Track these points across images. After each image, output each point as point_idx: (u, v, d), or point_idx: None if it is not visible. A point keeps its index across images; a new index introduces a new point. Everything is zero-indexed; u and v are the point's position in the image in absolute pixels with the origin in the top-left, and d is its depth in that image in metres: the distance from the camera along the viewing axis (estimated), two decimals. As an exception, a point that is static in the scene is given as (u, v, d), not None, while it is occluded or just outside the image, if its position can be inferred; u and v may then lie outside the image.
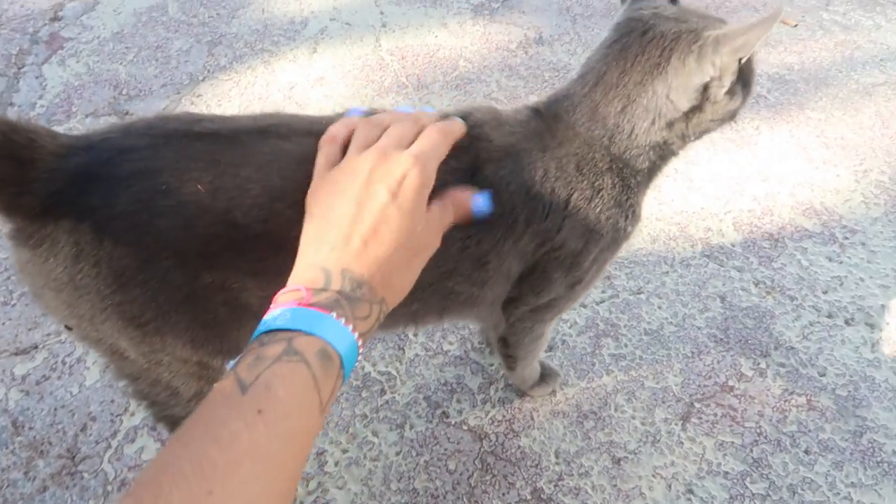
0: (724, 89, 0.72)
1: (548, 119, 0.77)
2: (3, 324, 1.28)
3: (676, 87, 0.72)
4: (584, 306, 1.30)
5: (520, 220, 0.75)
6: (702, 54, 0.69)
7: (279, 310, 0.54)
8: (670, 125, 0.74)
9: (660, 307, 1.30)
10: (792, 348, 1.24)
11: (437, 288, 0.78)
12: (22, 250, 0.65)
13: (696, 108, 0.74)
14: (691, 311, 1.30)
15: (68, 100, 1.82)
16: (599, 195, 0.77)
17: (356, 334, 0.55)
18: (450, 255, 0.73)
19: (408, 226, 0.59)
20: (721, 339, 1.25)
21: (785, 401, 1.16)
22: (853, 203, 1.49)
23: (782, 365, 1.21)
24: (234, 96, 1.83)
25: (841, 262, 1.37)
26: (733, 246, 1.41)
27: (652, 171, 0.80)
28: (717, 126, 0.78)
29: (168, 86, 1.88)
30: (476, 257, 0.75)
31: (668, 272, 1.36)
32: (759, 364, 1.21)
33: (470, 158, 0.72)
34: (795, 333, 1.26)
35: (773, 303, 1.31)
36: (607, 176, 0.76)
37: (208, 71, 1.92)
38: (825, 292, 1.32)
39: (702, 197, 1.51)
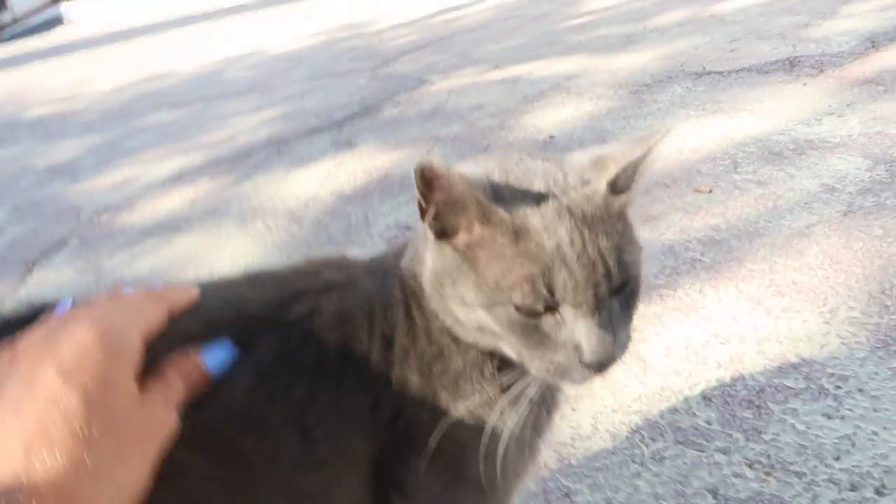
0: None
1: (390, 260, 0.67)
2: None
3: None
4: (544, 541, 1.00)
5: (331, 354, 0.59)
6: None
7: None
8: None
9: (639, 522, 1.00)
10: (822, 541, 0.93)
11: (274, 483, 0.58)
12: None
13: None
14: (680, 518, 1.00)
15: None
16: (422, 347, 0.59)
17: None
18: (272, 425, 0.57)
19: (99, 411, 0.44)
20: (728, 549, 0.94)
21: None
22: (831, 347, 1.27)
23: (818, 568, 0.89)
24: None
25: (843, 418, 1.12)
26: (710, 424, 1.15)
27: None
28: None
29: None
30: (299, 424, 0.58)
31: (639, 473, 1.08)
32: (786, 574, 0.89)
33: (288, 290, 0.62)
34: (820, 520, 0.96)
35: (777, 485, 1.02)
36: (423, 333, 0.60)
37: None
38: (837, 458, 1.05)
39: (660, 375, 1.28)
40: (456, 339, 0.60)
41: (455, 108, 3.27)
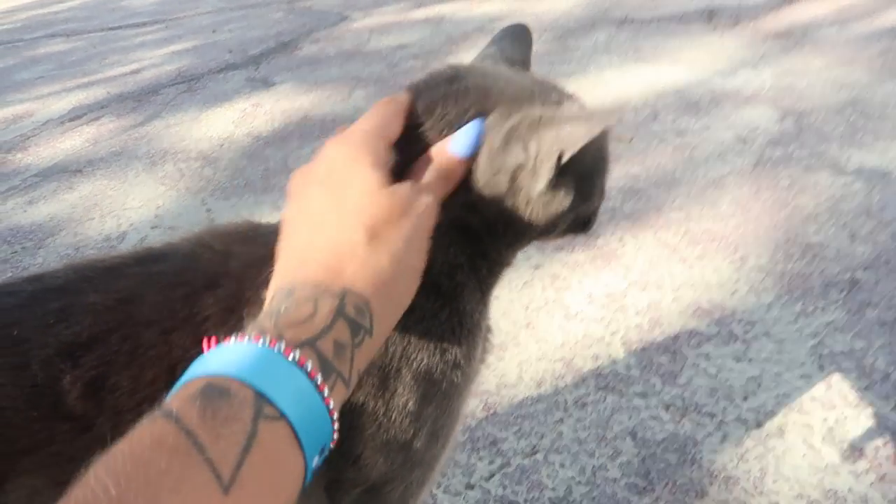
0: (539, 187, 0.51)
1: None
2: None
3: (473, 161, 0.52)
4: (471, 487, 1.02)
5: None
6: (513, 130, 0.49)
7: (237, 343, 0.37)
8: (466, 207, 0.54)
9: (562, 465, 1.04)
10: (730, 477, 0.99)
11: None
12: None
13: (505, 201, 0.53)
14: (601, 460, 1.04)
15: None
16: None
17: (330, 402, 0.38)
18: None
19: (361, 187, 0.45)
20: (645, 489, 0.99)
21: (742, 551, 0.89)
22: (741, 294, 1.34)
23: (726, 503, 0.95)
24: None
25: (750, 361, 1.18)
26: (629, 370, 1.20)
27: (470, 276, 0.58)
28: (542, 233, 0.57)
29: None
30: None
31: (562, 419, 1.12)
32: (697, 509, 0.95)
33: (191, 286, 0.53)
34: (728, 457, 1.02)
35: (691, 426, 1.08)
36: None
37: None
38: (745, 399, 1.11)
39: (581, 323, 1.31)
40: (434, 291, 0.56)
41: (377, 47, 3.17)
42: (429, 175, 0.48)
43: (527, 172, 0.51)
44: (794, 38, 2.53)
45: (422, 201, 0.46)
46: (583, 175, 0.55)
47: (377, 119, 0.50)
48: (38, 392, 0.47)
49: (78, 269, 0.54)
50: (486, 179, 0.52)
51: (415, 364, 0.56)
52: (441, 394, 0.59)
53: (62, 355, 0.48)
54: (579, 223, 0.61)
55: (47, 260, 1.81)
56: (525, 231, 0.56)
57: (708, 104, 2.12)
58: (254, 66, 3.15)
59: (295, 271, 0.43)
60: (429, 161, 0.49)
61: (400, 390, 0.56)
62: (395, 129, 0.50)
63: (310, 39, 3.47)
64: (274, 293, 0.43)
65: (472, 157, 0.51)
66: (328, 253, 0.43)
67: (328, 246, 0.43)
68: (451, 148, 0.49)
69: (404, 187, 0.46)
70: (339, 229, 0.44)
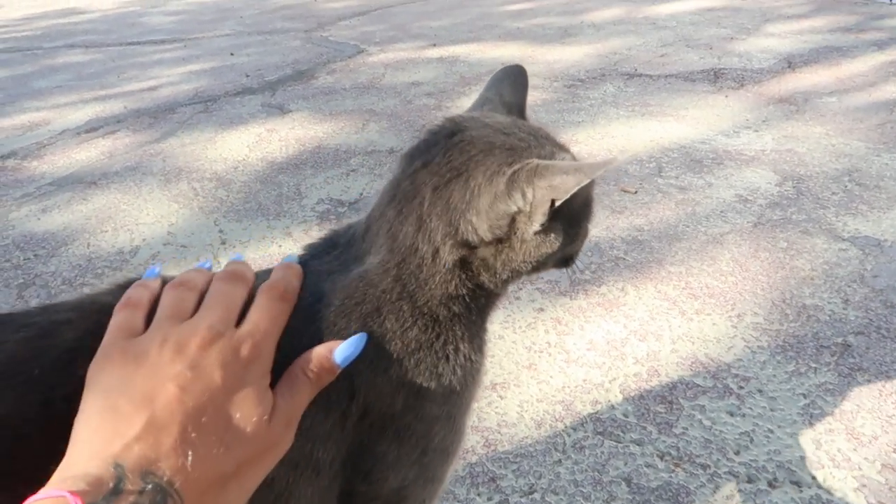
0: (534, 229, 0.58)
1: (342, 246, 0.63)
2: None
3: (477, 207, 0.58)
4: (469, 522, 1.05)
5: None
6: (514, 179, 0.56)
7: None
8: (468, 247, 0.59)
9: (559, 506, 1.07)
10: (720, 529, 1.02)
11: None
12: None
13: (502, 242, 0.60)
14: (596, 503, 1.07)
15: None
16: (396, 333, 0.58)
17: None
18: None
19: (247, 420, 0.45)
20: (638, 534, 1.02)
21: None
22: (737, 349, 1.39)
23: (715, 553, 0.99)
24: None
25: (744, 416, 1.22)
26: (626, 417, 1.23)
27: (471, 307, 0.63)
28: (533, 269, 0.64)
29: (-40, 338, 1.59)
30: None
31: (560, 460, 1.15)
32: (688, 557, 0.98)
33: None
34: (719, 509, 1.06)
35: (684, 476, 1.11)
36: (405, 307, 0.59)
37: (13, 315, 1.66)
38: (737, 453, 1.15)
39: (582, 368, 1.36)
40: (434, 324, 0.60)
41: (392, 82, 3.25)
42: (304, 383, 0.50)
43: (523, 216, 0.58)
44: (796, 105, 2.62)
45: (286, 440, 0.48)
46: (570, 219, 0.62)
47: (272, 318, 0.50)
48: (62, 422, 0.49)
49: (81, 307, 0.54)
50: (491, 223, 0.58)
51: (414, 389, 0.60)
52: (446, 415, 0.63)
53: (78, 394, 0.51)
54: (563, 260, 0.67)
55: (59, 269, 1.84)
56: (519, 268, 0.62)
57: (711, 162, 2.19)
58: (270, 92, 3.23)
59: (176, 465, 0.41)
60: (309, 362, 0.51)
61: (405, 412, 0.61)
62: (283, 325, 0.52)
63: (326, 70, 3.55)
64: (146, 474, 0.40)
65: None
66: (214, 472, 0.43)
67: (216, 467, 0.43)
68: (336, 357, 0.52)
69: (281, 424, 0.47)
70: (233, 451, 0.44)
